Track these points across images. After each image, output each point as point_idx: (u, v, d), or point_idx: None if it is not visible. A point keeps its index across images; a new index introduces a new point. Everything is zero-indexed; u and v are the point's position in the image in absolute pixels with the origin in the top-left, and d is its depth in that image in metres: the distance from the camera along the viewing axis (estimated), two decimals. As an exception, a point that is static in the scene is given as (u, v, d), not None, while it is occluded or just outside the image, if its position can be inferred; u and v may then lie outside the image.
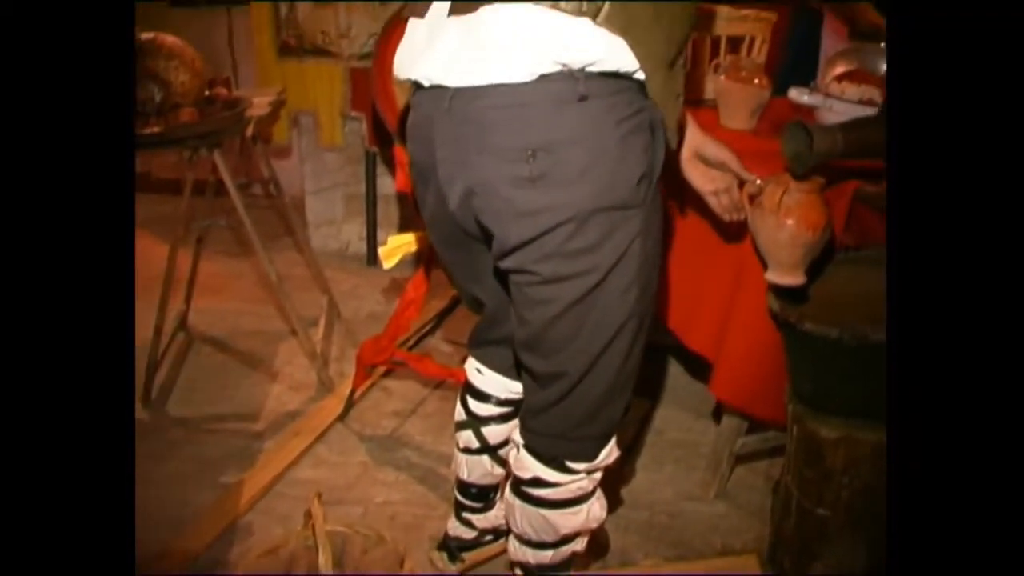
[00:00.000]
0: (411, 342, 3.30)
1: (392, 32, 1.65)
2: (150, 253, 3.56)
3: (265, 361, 3.25)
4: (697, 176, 1.72)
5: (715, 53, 2.49)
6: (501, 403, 1.91)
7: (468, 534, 2.11)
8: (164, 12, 4.73)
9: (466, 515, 2.09)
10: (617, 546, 2.23)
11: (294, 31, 3.95)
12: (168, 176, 4.94)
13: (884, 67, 2.42)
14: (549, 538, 1.68)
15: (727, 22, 2.49)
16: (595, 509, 1.69)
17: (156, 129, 2.52)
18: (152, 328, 2.93)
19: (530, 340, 1.54)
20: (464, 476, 2.01)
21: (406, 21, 1.51)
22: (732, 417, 2.32)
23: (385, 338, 2.67)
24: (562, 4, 1.29)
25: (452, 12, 1.39)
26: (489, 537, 2.13)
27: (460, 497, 2.08)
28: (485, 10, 1.33)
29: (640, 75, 1.36)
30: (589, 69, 1.31)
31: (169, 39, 2.64)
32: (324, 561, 1.82)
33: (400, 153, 2.35)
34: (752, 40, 2.50)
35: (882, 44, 2.49)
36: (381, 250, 2.51)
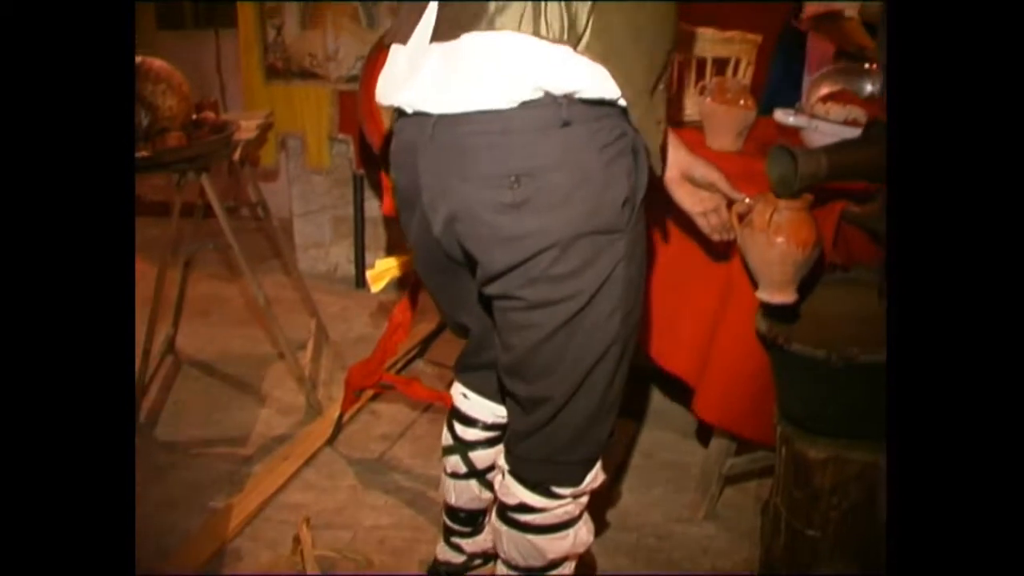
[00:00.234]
0: (399, 365, 3.30)
1: (379, 55, 1.65)
2: (138, 276, 3.54)
3: (253, 385, 3.24)
4: (685, 197, 1.72)
5: (701, 75, 2.51)
6: (488, 427, 1.91)
7: (457, 558, 2.10)
8: (152, 34, 4.74)
9: (455, 539, 2.08)
10: (606, 569, 2.22)
11: (282, 54, 3.96)
12: (156, 199, 4.94)
13: (869, 88, 2.44)
14: (536, 563, 1.67)
15: (713, 44, 2.50)
16: (582, 533, 1.69)
17: (144, 153, 2.52)
18: (140, 351, 2.92)
19: (514, 365, 1.54)
20: (452, 501, 2.01)
21: (388, 47, 1.51)
22: (721, 438, 2.32)
23: (373, 362, 2.67)
24: (543, 32, 1.29)
25: (434, 38, 1.39)
26: (478, 561, 2.12)
27: (448, 522, 2.07)
28: (467, 37, 1.33)
29: (623, 101, 1.36)
30: (571, 95, 1.32)
31: (156, 63, 2.64)
32: (313, 587, 1.81)
33: (386, 177, 2.35)
34: (738, 62, 2.51)
35: (867, 65, 2.51)
36: (368, 273, 2.51)
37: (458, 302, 1.73)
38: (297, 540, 2.13)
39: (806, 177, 1.67)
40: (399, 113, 1.48)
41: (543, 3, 1.29)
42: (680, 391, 2.15)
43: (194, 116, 2.78)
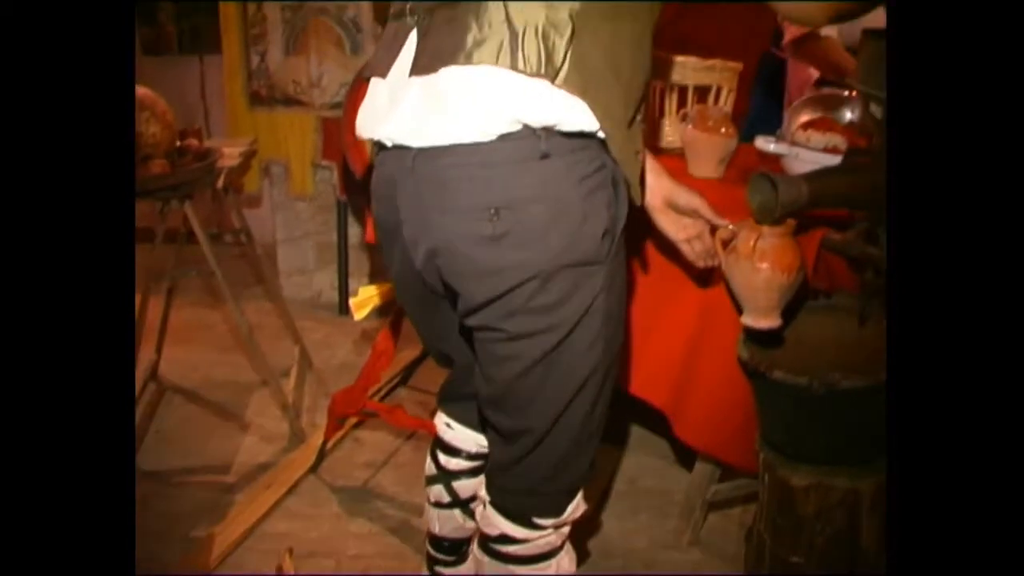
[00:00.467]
0: (382, 392, 3.29)
1: (360, 86, 1.66)
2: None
3: (236, 412, 3.23)
4: (669, 224, 1.73)
5: (683, 103, 2.52)
6: (471, 457, 1.90)
7: (441, 587, 2.09)
8: (136, 60, 4.74)
9: (439, 568, 2.07)
10: (592, 596, 2.22)
11: (266, 80, 3.97)
12: (139, 225, 4.90)
13: (848, 115, 2.46)
14: (519, 593, 1.67)
15: (694, 72, 2.51)
16: (564, 563, 1.68)
17: (126, 181, 2.51)
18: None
19: (495, 397, 1.54)
20: (436, 530, 2.00)
21: (368, 80, 1.52)
22: (705, 464, 2.32)
23: (357, 389, 2.66)
24: (520, 66, 1.30)
25: (413, 72, 1.39)
26: (462, 590, 2.11)
27: (432, 551, 2.06)
28: (445, 71, 1.34)
29: (602, 133, 1.37)
30: (550, 128, 1.33)
31: (140, 91, 2.64)
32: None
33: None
34: (719, 90, 2.53)
35: (846, 92, 2.53)
36: (352, 301, 2.51)
37: (441, 333, 1.73)
38: (280, 570, 2.12)
39: (787, 205, 1.68)
40: (379, 147, 1.49)
41: (521, 37, 1.30)
42: (663, 417, 2.15)
43: (178, 143, 2.78)
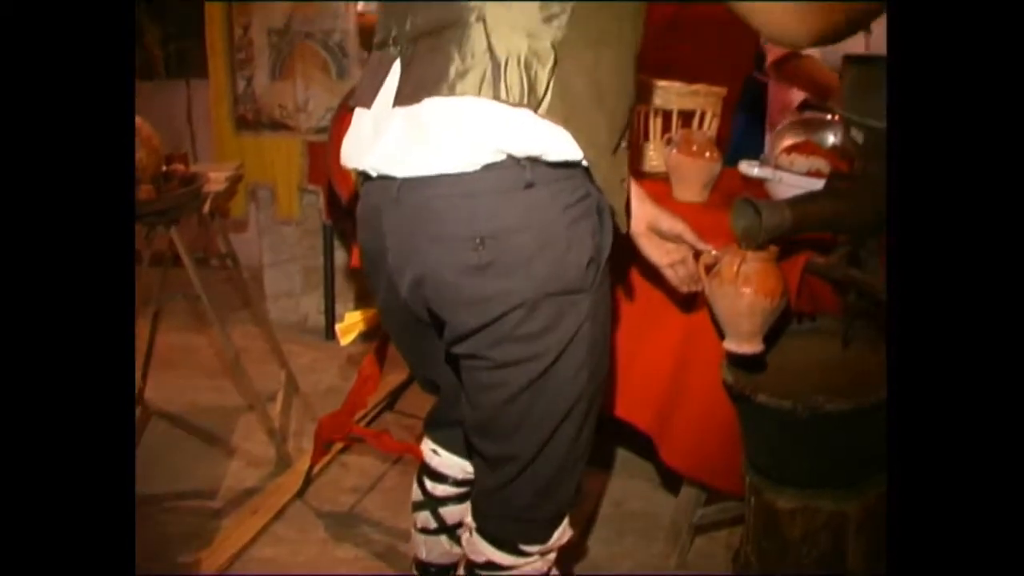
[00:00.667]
0: (369, 417, 3.29)
1: (347, 111, 1.67)
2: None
3: (222, 437, 3.22)
4: (653, 249, 1.74)
5: (667, 127, 2.54)
6: (458, 483, 1.90)
7: (428, 613, 2.08)
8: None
9: (425, 594, 2.07)
10: (579, 621, 2.21)
11: (252, 105, 3.98)
12: (125, 249, 4.91)
13: (831, 139, 2.48)
14: (506, 619, 1.66)
15: (678, 97, 2.53)
16: (551, 589, 1.68)
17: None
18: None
19: (481, 424, 1.54)
20: (423, 556, 1.99)
21: (352, 109, 1.53)
22: (691, 487, 2.32)
23: (343, 414, 2.66)
24: (503, 96, 1.30)
25: (396, 102, 1.40)
26: (449, 616, 2.10)
27: (419, 576, 2.06)
28: (428, 101, 1.34)
29: (586, 162, 1.38)
30: (534, 158, 1.33)
31: (126, 116, 2.64)
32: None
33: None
34: (703, 114, 2.55)
35: (829, 116, 2.55)
36: (338, 327, 2.52)
37: (427, 360, 1.73)
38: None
39: (770, 229, 1.69)
40: (364, 177, 1.49)
41: (503, 67, 1.30)
42: (648, 440, 2.16)
43: (164, 168, 2.78)
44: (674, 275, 1.77)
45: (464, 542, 1.70)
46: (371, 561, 2.48)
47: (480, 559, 1.63)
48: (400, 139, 1.39)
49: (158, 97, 4.76)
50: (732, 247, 1.75)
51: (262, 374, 3.45)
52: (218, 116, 4.04)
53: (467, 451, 1.76)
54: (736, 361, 1.86)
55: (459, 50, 1.33)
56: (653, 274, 1.87)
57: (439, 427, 1.90)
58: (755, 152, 2.38)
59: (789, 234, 1.74)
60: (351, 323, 2.50)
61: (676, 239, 1.72)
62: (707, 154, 2.30)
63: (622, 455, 2.95)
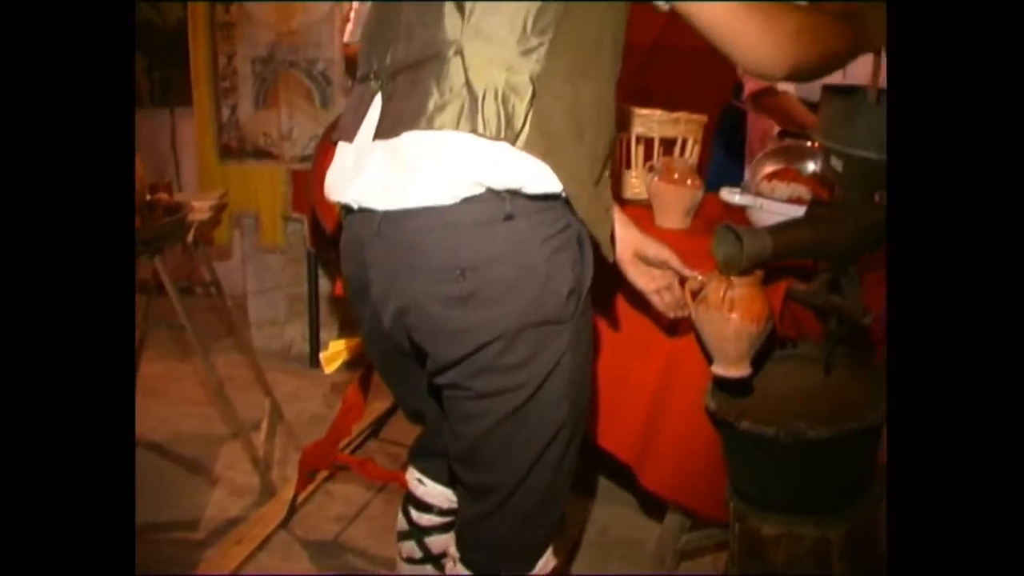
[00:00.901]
0: (353, 444, 3.28)
1: (328, 147, 1.68)
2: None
3: (206, 466, 3.20)
4: (638, 276, 1.75)
5: (649, 155, 2.55)
6: (443, 512, 1.90)
7: (413, 643, 2.07)
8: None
9: (411, 623, 2.06)
10: (564, 650, 2.21)
11: (236, 133, 3.99)
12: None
13: (812, 166, 2.50)
14: (490, 649, 1.66)
15: (660, 125, 2.55)
16: (535, 618, 1.68)
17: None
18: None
19: (464, 454, 1.54)
20: (408, 585, 1.99)
21: (335, 143, 1.54)
22: (675, 513, 2.32)
23: (327, 442, 2.66)
24: (480, 129, 1.31)
25: (377, 136, 1.41)
26: (435, 645, 2.09)
27: (404, 605, 2.05)
28: (408, 135, 1.36)
29: (566, 193, 1.39)
30: (513, 190, 1.34)
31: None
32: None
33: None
34: (684, 142, 2.56)
35: (809, 143, 2.57)
36: (322, 355, 2.52)
37: (411, 390, 1.73)
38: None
39: (752, 257, 1.71)
40: (347, 209, 1.50)
41: (480, 101, 1.31)
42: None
43: (148, 197, 2.78)
44: (660, 301, 1.78)
45: (448, 571, 1.69)
46: (356, 590, 2.48)
47: (465, 589, 1.63)
48: (381, 173, 1.40)
49: (142, 126, 4.75)
50: (717, 273, 1.76)
51: (246, 402, 3.44)
52: (202, 144, 4.04)
53: (450, 481, 1.76)
54: (722, 386, 1.87)
55: (438, 84, 1.34)
56: (634, 303, 1.88)
57: (424, 456, 1.90)
58: (734, 178, 2.40)
59: (770, 261, 1.75)
60: (335, 351, 2.50)
61: (662, 265, 1.73)
62: (688, 181, 2.32)
63: (606, 482, 2.94)
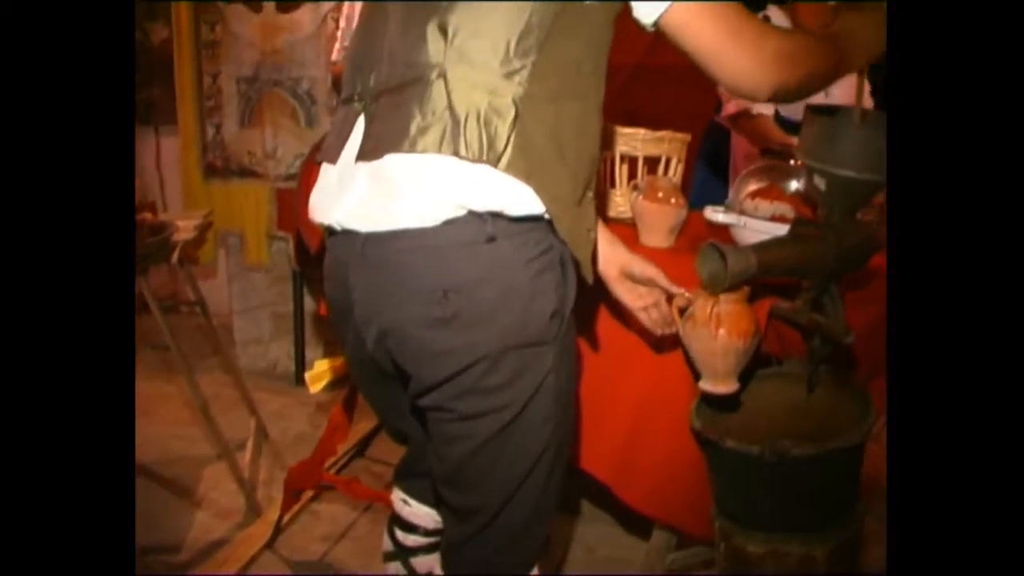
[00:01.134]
0: (339, 464, 3.27)
1: (313, 168, 1.69)
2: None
3: (191, 487, 3.19)
4: (625, 293, 1.76)
5: (633, 173, 2.56)
6: (429, 533, 1.89)
7: (399, 663, 2.06)
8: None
9: (397, 645, 2.05)
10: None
11: (221, 152, 3.99)
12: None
13: (795, 184, 2.51)
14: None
15: (644, 143, 2.56)
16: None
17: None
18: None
19: (448, 475, 1.54)
20: (394, 606, 1.98)
21: (320, 166, 1.54)
22: (661, 532, 2.32)
23: (313, 462, 2.65)
24: (462, 152, 1.32)
25: (360, 158, 1.42)
26: (421, 666, 2.08)
27: (390, 627, 2.04)
28: (390, 157, 1.36)
29: (548, 215, 1.39)
30: (496, 212, 1.35)
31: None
32: None
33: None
34: (668, 160, 2.57)
35: (792, 161, 2.58)
36: (307, 375, 2.52)
37: (395, 411, 1.73)
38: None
39: (736, 275, 1.71)
40: (330, 231, 1.50)
41: (462, 124, 1.32)
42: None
43: (131, 218, 2.78)
44: (648, 318, 1.79)
45: (433, 593, 1.69)
46: (343, 610, 2.47)
47: (451, 610, 1.62)
48: (364, 195, 1.40)
49: (127, 144, 4.74)
50: (703, 290, 1.77)
51: (231, 421, 3.43)
52: (187, 163, 4.05)
53: (435, 502, 1.76)
54: (708, 402, 1.88)
55: (420, 107, 1.35)
56: (617, 322, 1.89)
57: (409, 477, 1.89)
58: (718, 197, 2.41)
59: (754, 279, 1.76)
60: (320, 371, 2.50)
61: (648, 283, 1.74)
62: (673, 200, 2.32)
63: (591, 501, 2.94)
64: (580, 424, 2.07)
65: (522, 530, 1.55)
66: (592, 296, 1.73)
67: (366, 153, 1.41)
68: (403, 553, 1.91)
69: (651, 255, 1.82)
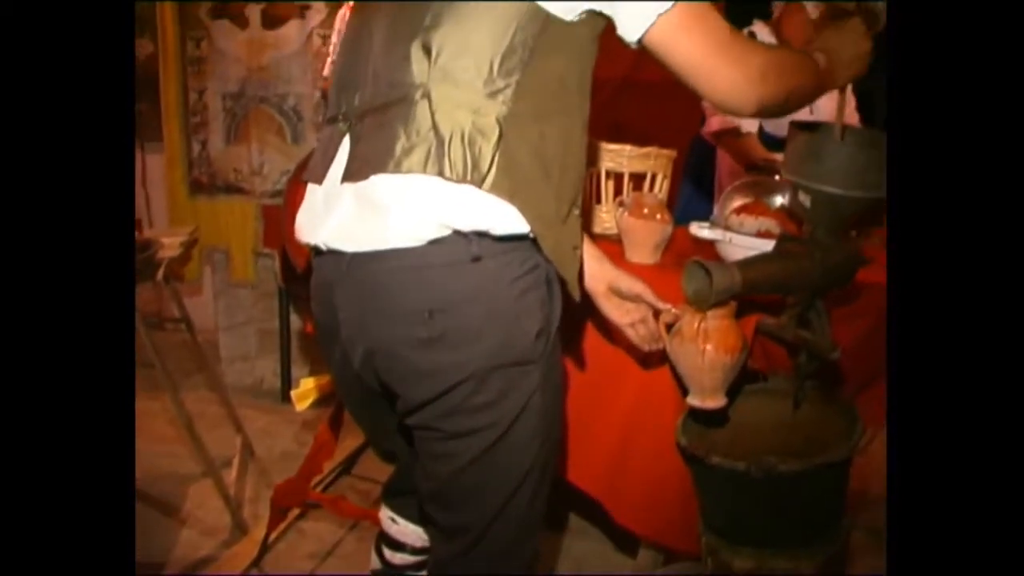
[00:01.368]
0: (326, 481, 3.25)
1: (299, 187, 1.69)
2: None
3: (176, 505, 3.17)
4: (612, 309, 1.76)
5: (618, 189, 2.56)
6: (416, 551, 1.88)
7: None
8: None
9: (385, 663, 2.04)
10: None
11: (207, 168, 3.99)
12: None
13: (780, 200, 2.51)
14: None
15: (630, 159, 2.56)
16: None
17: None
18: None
19: (435, 493, 1.54)
20: (382, 624, 1.97)
21: (306, 184, 1.54)
22: (649, 549, 2.31)
23: (299, 480, 2.64)
24: (447, 172, 1.32)
25: (345, 178, 1.42)
26: None
27: (378, 645, 2.03)
28: (376, 178, 1.36)
29: (533, 233, 1.39)
30: (481, 231, 1.35)
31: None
32: None
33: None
34: (654, 176, 2.57)
35: (777, 177, 2.59)
36: (293, 393, 2.51)
37: (382, 430, 1.72)
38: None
39: (721, 292, 1.71)
40: (316, 251, 1.50)
41: (447, 144, 1.32)
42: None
43: (117, 235, 2.76)
44: (635, 334, 1.79)
45: (420, 611, 1.69)
46: (329, 629, 2.45)
47: (438, 628, 1.61)
48: (349, 215, 1.40)
49: (112, 161, 4.73)
50: (690, 305, 1.77)
51: (217, 439, 3.41)
52: (173, 180, 4.04)
53: (422, 520, 1.75)
54: (696, 418, 1.88)
55: (405, 127, 1.35)
56: (603, 339, 1.89)
57: (397, 495, 1.89)
58: (703, 213, 2.42)
59: (740, 296, 1.76)
60: (307, 389, 2.50)
61: (636, 299, 1.75)
62: (658, 216, 2.33)
63: (579, 517, 2.93)
64: (568, 440, 2.07)
65: (509, 547, 1.55)
66: (579, 312, 1.73)
67: (352, 174, 1.41)
68: (391, 571, 1.91)
69: (637, 271, 1.83)
